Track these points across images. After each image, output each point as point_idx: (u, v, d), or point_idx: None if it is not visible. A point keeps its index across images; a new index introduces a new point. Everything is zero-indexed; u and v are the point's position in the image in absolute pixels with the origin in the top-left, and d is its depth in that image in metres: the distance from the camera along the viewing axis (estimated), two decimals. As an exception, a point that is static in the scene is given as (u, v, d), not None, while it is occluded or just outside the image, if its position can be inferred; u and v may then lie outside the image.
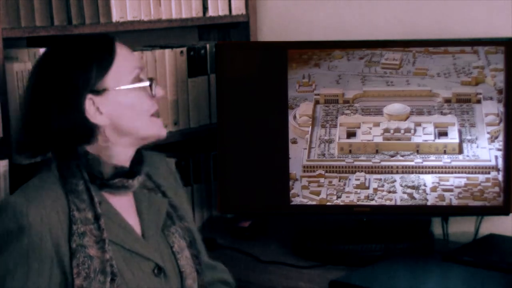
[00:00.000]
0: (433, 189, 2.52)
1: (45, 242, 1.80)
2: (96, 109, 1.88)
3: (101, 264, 1.82)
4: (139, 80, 1.93)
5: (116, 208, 1.92)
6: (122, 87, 1.89)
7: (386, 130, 2.53)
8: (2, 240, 1.81)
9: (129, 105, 1.90)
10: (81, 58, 1.88)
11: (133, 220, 1.95)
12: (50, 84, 1.87)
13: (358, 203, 2.55)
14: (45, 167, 1.93)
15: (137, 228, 1.95)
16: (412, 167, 2.53)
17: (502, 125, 2.48)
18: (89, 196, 1.87)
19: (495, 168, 2.49)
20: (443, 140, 2.52)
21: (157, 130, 1.96)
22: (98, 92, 1.87)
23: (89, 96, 1.87)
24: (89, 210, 1.85)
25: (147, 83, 1.93)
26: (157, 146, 2.69)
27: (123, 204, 1.94)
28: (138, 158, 1.98)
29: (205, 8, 2.78)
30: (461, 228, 2.66)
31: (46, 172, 1.91)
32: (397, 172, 2.54)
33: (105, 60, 1.89)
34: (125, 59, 1.92)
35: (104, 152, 1.91)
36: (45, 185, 1.87)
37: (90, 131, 1.88)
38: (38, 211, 1.81)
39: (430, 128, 2.52)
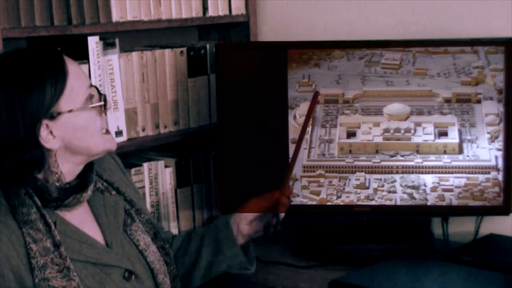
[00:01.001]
0: (433, 189, 2.52)
1: (8, 281, 1.74)
2: (49, 133, 1.81)
3: None
4: (91, 98, 1.87)
5: (74, 224, 1.86)
6: (76, 109, 1.83)
7: (386, 130, 2.53)
8: None
9: (83, 126, 1.85)
10: (36, 79, 1.79)
11: (93, 230, 1.91)
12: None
13: (358, 203, 2.55)
14: None
15: (98, 236, 1.91)
16: (412, 167, 2.53)
17: (502, 125, 2.48)
18: (45, 224, 1.80)
19: (495, 168, 2.49)
20: (443, 140, 2.52)
21: (109, 145, 1.92)
22: (53, 117, 1.81)
23: (45, 121, 1.80)
24: (46, 238, 1.79)
25: (101, 103, 1.88)
26: (157, 147, 2.70)
27: (80, 216, 1.90)
28: (87, 165, 1.92)
29: (205, 8, 2.78)
30: (461, 228, 2.66)
31: None
32: (397, 172, 2.54)
33: (60, 81, 1.81)
34: (77, 78, 1.85)
35: (52, 175, 1.84)
36: None
37: (42, 157, 1.81)
38: None
39: (430, 128, 2.52)
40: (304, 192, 2.58)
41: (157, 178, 2.65)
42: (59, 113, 1.81)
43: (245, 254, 2.16)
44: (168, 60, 2.69)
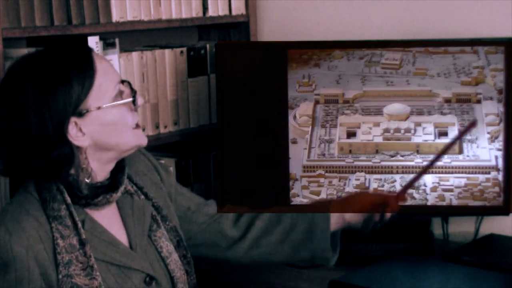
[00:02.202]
0: (433, 189, 2.52)
1: (33, 274, 1.76)
2: (78, 130, 1.81)
3: None
4: (121, 94, 1.87)
5: (101, 223, 1.87)
6: (105, 106, 1.83)
7: (386, 130, 2.53)
8: None
9: (112, 123, 1.84)
10: (62, 77, 1.79)
11: (118, 231, 1.91)
12: (25, 108, 1.78)
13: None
14: (21, 188, 1.86)
15: (123, 238, 1.91)
16: (412, 167, 2.53)
17: (502, 125, 2.48)
18: (73, 221, 1.81)
19: (495, 168, 2.49)
20: (443, 140, 2.52)
21: (139, 140, 1.90)
22: (81, 114, 1.81)
23: (73, 119, 1.80)
24: (73, 236, 1.80)
25: (130, 99, 1.88)
26: (157, 147, 2.70)
27: (107, 217, 1.90)
28: (119, 167, 1.92)
29: (205, 8, 2.78)
30: (461, 228, 2.66)
31: (23, 194, 1.85)
32: (397, 172, 2.54)
33: (87, 78, 1.81)
34: (106, 75, 1.84)
35: (83, 172, 1.84)
36: (25, 212, 1.80)
37: (71, 154, 1.81)
38: (22, 243, 1.75)
39: (430, 128, 2.52)
40: (304, 192, 2.58)
41: (157, 178, 2.65)
42: (87, 111, 1.81)
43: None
44: (168, 60, 2.69)
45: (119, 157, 1.91)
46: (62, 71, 1.80)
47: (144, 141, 1.92)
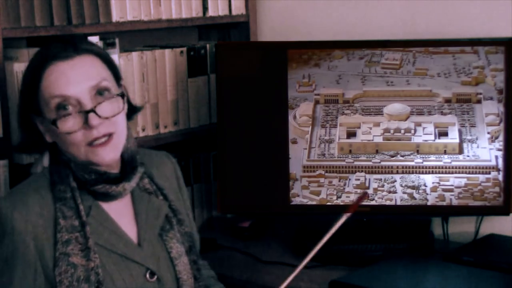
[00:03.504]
0: (433, 189, 2.52)
1: (28, 248, 1.79)
2: (44, 130, 1.88)
3: (86, 273, 1.81)
4: (63, 108, 1.83)
5: (109, 213, 1.89)
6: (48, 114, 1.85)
7: (386, 130, 2.53)
8: None
9: (58, 134, 1.85)
10: (30, 75, 1.87)
11: (128, 225, 1.92)
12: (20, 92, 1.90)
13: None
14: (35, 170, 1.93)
15: (132, 233, 1.92)
16: (412, 167, 2.53)
17: (502, 125, 2.48)
18: (76, 204, 1.85)
19: (495, 168, 2.49)
20: (443, 140, 2.52)
21: (97, 158, 1.86)
22: (38, 114, 1.87)
23: (37, 118, 1.87)
24: (75, 218, 1.84)
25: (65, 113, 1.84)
26: (157, 146, 2.70)
27: (119, 209, 1.92)
28: (131, 162, 1.93)
29: (205, 8, 2.78)
30: (461, 228, 2.66)
31: (37, 174, 1.90)
32: (397, 172, 2.54)
33: (33, 87, 1.85)
34: (48, 87, 1.84)
35: (74, 157, 1.86)
36: (33, 189, 1.85)
37: (44, 145, 1.90)
38: (23, 216, 1.79)
39: (430, 128, 2.52)
40: (304, 192, 2.58)
41: (157, 178, 2.65)
42: (41, 112, 1.86)
43: None
44: (168, 60, 2.69)
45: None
46: (31, 70, 1.88)
47: (104, 160, 1.87)
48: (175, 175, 2.09)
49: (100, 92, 1.84)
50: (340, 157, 2.56)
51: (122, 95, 1.88)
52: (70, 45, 1.85)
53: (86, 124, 1.81)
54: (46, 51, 1.85)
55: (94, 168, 1.87)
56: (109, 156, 1.85)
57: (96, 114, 1.81)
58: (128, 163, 1.93)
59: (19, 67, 2.29)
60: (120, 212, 1.92)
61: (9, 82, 2.29)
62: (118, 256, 1.87)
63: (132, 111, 1.98)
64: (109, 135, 1.84)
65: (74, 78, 1.82)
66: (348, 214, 2.00)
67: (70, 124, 1.82)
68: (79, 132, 1.82)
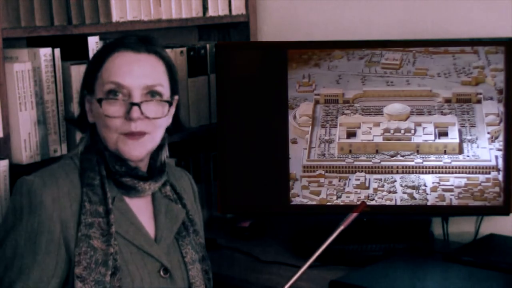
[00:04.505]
0: (433, 189, 2.52)
1: (54, 225, 1.84)
2: (89, 109, 1.97)
3: (104, 257, 1.85)
4: (114, 94, 1.91)
5: (131, 207, 1.95)
6: (96, 97, 1.93)
7: (386, 130, 2.53)
8: (14, 216, 1.86)
9: (99, 115, 1.93)
10: (94, 57, 2.00)
11: (147, 222, 1.97)
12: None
13: (358, 203, 2.55)
14: (66, 154, 2.01)
15: (151, 230, 1.97)
16: (412, 167, 2.53)
17: (502, 125, 2.48)
18: (103, 192, 1.90)
19: (495, 168, 2.49)
20: (443, 140, 2.52)
21: (124, 149, 1.92)
22: (90, 93, 1.96)
23: (87, 96, 1.97)
24: (100, 204, 1.89)
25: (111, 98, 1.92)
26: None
27: (140, 206, 1.97)
28: (160, 168, 2.01)
29: (205, 8, 2.78)
30: (461, 228, 2.66)
31: (67, 159, 1.96)
32: (397, 172, 2.54)
33: (96, 65, 1.95)
34: (108, 70, 1.93)
35: (106, 143, 1.94)
36: (64, 172, 1.91)
37: (86, 122, 1.99)
38: (52, 195, 1.85)
39: (430, 128, 2.52)
40: (304, 192, 2.58)
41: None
42: (93, 92, 1.96)
43: None
44: (168, 60, 2.68)
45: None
46: (97, 54, 2.01)
47: (132, 155, 1.93)
48: (192, 190, 2.17)
49: (152, 93, 1.93)
50: (340, 157, 2.56)
51: (170, 103, 1.97)
52: (144, 42, 1.97)
53: (128, 115, 1.89)
54: (121, 39, 1.97)
55: (126, 162, 1.93)
56: (136, 151, 1.92)
57: (140, 109, 1.90)
58: (157, 169, 2.00)
59: (19, 67, 2.29)
60: (141, 209, 1.98)
61: (9, 82, 2.28)
62: (136, 248, 1.92)
63: (176, 128, 2.07)
64: (144, 134, 1.92)
65: (135, 71, 1.92)
66: (349, 221, 2.03)
67: (114, 109, 1.90)
68: (119, 120, 1.90)
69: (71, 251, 1.85)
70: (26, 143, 2.30)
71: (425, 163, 2.52)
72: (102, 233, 1.86)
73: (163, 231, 1.98)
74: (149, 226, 1.97)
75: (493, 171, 2.49)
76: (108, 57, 1.94)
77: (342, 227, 2.00)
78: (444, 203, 2.52)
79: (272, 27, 2.99)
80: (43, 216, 1.84)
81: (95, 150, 1.95)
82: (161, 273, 1.93)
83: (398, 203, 2.54)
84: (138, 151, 1.93)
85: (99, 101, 1.91)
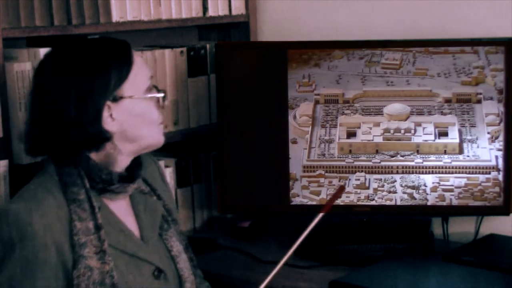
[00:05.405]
0: (433, 189, 2.52)
1: (49, 252, 1.80)
2: (109, 115, 1.88)
3: (101, 276, 1.82)
4: (151, 89, 1.94)
5: (115, 213, 1.92)
6: (137, 96, 1.91)
7: (386, 130, 2.53)
8: (4, 247, 1.80)
9: (140, 114, 1.92)
10: (102, 63, 1.88)
11: (131, 223, 1.96)
12: (66, 89, 1.85)
13: (358, 203, 2.55)
14: (41, 170, 1.92)
15: (135, 230, 1.96)
16: (412, 167, 2.53)
17: (502, 125, 2.48)
18: (90, 206, 1.86)
19: (496, 168, 2.49)
20: (443, 140, 2.52)
21: (160, 138, 1.98)
22: (115, 99, 1.88)
23: (108, 103, 1.87)
24: (90, 220, 1.85)
25: (161, 95, 1.95)
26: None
27: (121, 208, 1.95)
28: (136, 163, 1.98)
29: (205, 8, 2.78)
30: (461, 228, 2.66)
31: (43, 175, 1.90)
32: (397, 172, 2.54)
33: (125, 68, 1.89)
34: (141, 68, 1.93)
35: (106, 159, 1.90)
36: (46, 191, 1.85)
37: (102, 138, 1.88)
38: (41, 219, 1.79)
39: (430, 128, 2.52)
40: (304, 192, 2.58)
41: (157, 178, 2.65)
42: (121, 97, 1.88)
43: None
44: (168, 60, 2.69)
45: (137, 152, 1.97)
46: (104, 57, 1.89)
47: (162, 140, 1.99)
48: (159, 173, 2.14)
49: (153, 85, 1.97)
50: (340, 157, 2.56)
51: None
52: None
53: (158, 104, 1.95)
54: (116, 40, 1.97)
55: (110, 170, 1.91)
56: (163, 138, 2.00)
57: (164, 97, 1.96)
58: (136, 162, 1.99)
59: (19, 67, 2.29)
60: (123, 211, 1.96)
61: (9, 82, 2.29)
62: (128, 256, 1.89)
63: None
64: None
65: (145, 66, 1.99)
66: (325, 211, 2.03)
67: (153, 102, 1.94)
68: (155, 111, 1.95)
69: (69, 272, 1.81)
70: (26, 143, 2.30)
71: (425, 163, 2.52)
72: (95, 251, 1.82)
73: (147, 231, 1.97)
74: (133, 226, 1.95)
75: (493, 171, 2.49)
76: (130, 55, 1.92)
77: (321, 214, 2.00)
78: (444, 203, 2.52)
79: (272, 27, 2.99)
80: (36, 244, 1.78)
81: (73, 163, 1.88)
82: (155, 274, 1.92)
83: (398, 203, 2.54)
84: (163, 137, 1.99)
85: (135, 98, 1.90)
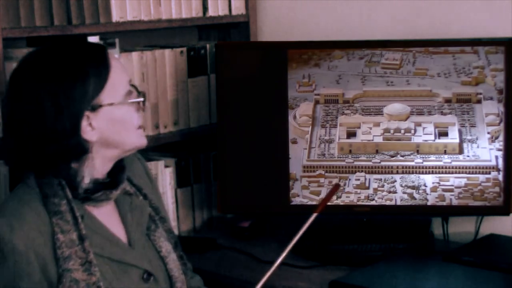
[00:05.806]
0: (433, 189, 2.52)
1: (33, 268, 1.76)
2: (88, 124, 1.83)
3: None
4: (130, 93, 1.89)
5: (100, 220, 1.88)
6: (116, 103, 1.86)
7: (386, 130, 2.53)
8: None
9: (121, 120, 1.87)
10: (79, 71, 1.82)
11: (117, 228, 1.92)
12: (41, 100, 1.79)
13: (358, 203, 2.55)
14: (21, 183, 1.87)
15: (122, 235, 1.92)
16: (412, 167, 2.53)
17: (502, 125, 2.48)
18: (73, 216, 1.82)
19: (496, 168, 2.49)
20: (443, 140, 2.52)
21: (141, 141, 1.93)
22: (94, 108, 1.83)
23: (86, 112, 1.82)
24: (73, 231, 1.80)
25: (141, 99, 1.91)
26: (157, 147, 2.70)
27: (106, 214, 1.91)
28: (119, 166, 1.94)
29: (205, 8, 2.78)
30: (461, 228, 2.66)
31: (23, 188, 1.86)
32: (397, 172, 2.54)
33: (103, 74, 1.83)
34: (119, 73, 1.87)
35: (85, 167, 1.86)
36: (27, 205, 1.81)
37: (81, 149, 1.83)
38: (23, 236, 1.75)
39: (430, 128, 2.52)
40: (304, 192, 2.58)
41: (157, 178, 2.65)
42: (100, 105, 1.83)
43: None
44: (168, 60, 2.69)
45: (119, 156, 1.93)
46: (80, 65, 1.83)
47: (144, 142, 1.95)
48: (144, 171, 2.11)
49: (132, 86, 1.92)
50: (340, 157, 2.56)
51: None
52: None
53: (142, 106, 1.91)
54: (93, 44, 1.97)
55: (91, 177, 1.87)
56: (145, 140, 1.95)
57: (144, 100, 1.92)
58: (119, 165, 1.95)
59: (19, 67, 2.29)
60: (109, 217, 1.92)
61: (9, 82, 2.28)
62: (116, 263, 1.86)
63: None
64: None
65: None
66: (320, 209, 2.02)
67: (134, 107, 1.90)
68: (136, 115, 1.90)
69: (54, 287, 1.78)
70: (26, 143, 2.30)
71: (425, 163, 2.52)
72: (80, 263, 1.79)
73: (134, 233, 1.93)
74: (119, 231, 1.92)
75: (493, 171, 2.49)
76: (107, 61, 1.85)
77: (314, 215, 1.99)
78: (444, 203, 2.52)
79: (272, 27, 2.99)
80: (19, 261, 1.74)
81: (52, 173, 1.83)
82: (144, 278, 1.90)
83: (398, 203, 2.54)
84: (145, 138, 1.95)
85: (115, 104, 1.85)
